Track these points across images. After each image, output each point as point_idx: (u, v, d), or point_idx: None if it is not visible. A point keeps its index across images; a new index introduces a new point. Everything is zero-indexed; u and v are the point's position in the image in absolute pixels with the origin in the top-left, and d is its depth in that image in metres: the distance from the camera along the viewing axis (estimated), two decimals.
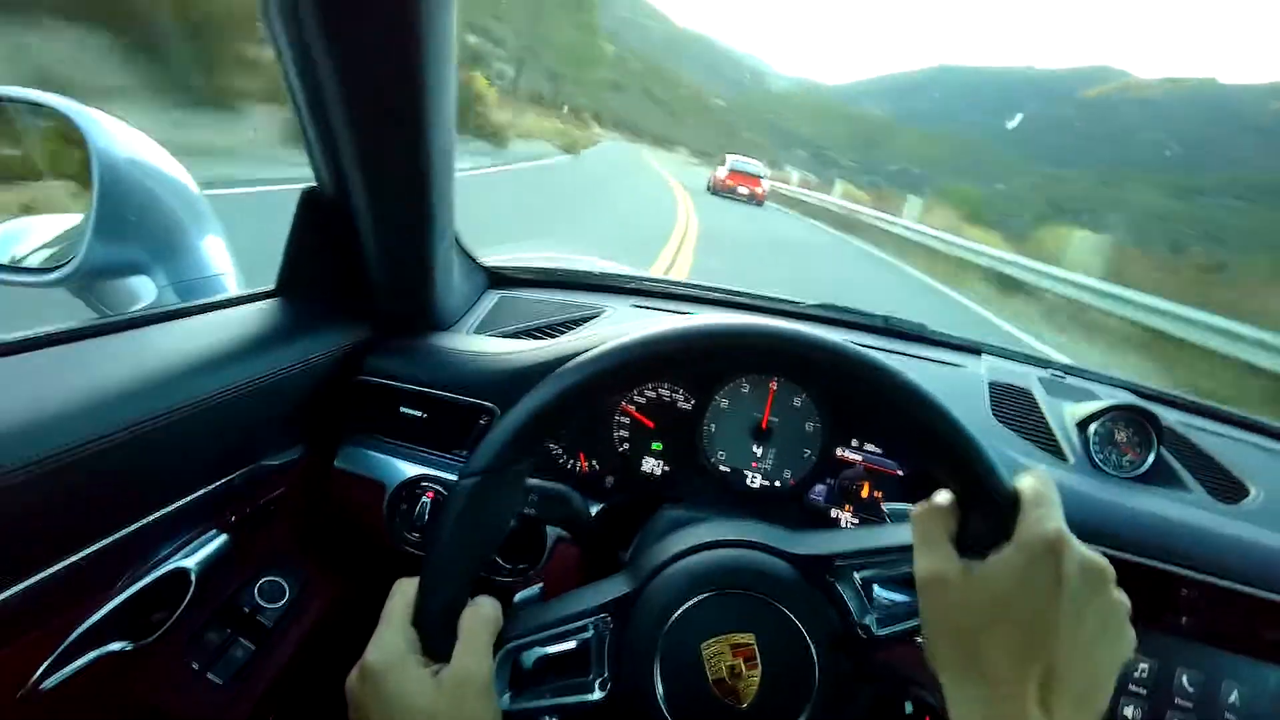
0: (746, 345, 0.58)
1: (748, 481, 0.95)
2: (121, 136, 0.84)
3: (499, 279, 1.21)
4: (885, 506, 0.69)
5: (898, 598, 0.62)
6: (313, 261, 0.89)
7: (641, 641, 0.59)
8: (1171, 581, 0.84)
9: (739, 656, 0.58)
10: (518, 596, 0.65)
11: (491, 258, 1.23)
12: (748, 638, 0.58)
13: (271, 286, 0.89)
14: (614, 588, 0.63)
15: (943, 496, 0.54)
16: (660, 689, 0.58)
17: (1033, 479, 0.52)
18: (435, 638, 0.55)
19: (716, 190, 23.52)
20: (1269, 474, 1.03)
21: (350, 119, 0.69)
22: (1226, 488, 0.98)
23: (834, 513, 0.94)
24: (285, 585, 0.89)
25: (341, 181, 0.78)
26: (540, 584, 0.70)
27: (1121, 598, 0.50)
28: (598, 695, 0.59)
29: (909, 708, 0.75)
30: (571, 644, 0.60)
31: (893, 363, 0.57)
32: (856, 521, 0.93)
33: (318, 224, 0.86)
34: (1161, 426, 0.99)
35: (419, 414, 0.90)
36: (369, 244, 0.84)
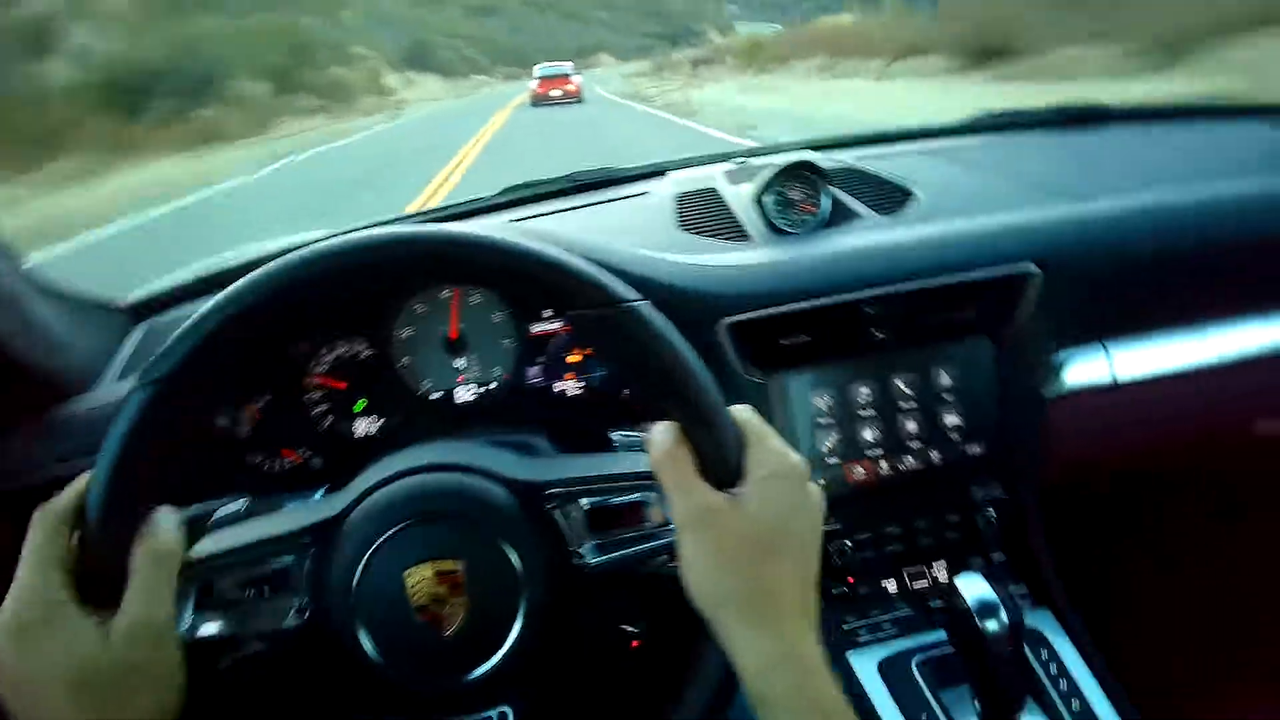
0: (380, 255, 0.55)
1: (461, 398, 0.91)
2: None
3: (146, 310, 1.07)
4: (614, 435, 0.69)
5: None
6: None
7: (342, 567, 0.56)
8: (858, 306, 0.88)
9: (444, 584, 0.56)
10: (217, 513, 0.61)
11: (138, 291, 1.09)
12: (455, 565, 0.56)
13: None
14: (318, 510, 0.60)
15: (667, 432, 0.53)
16: (360, 615, 0.55)
17: (745, 411, 0.55)
18: (100, 581, 0.47)
19: (536, 103, 24.49)
20: (930, 173, 1.10)
21: None
22: (892, 200, 1.03)
23: (557, 387, 0.92)
24: None
25: None
26: (245, 499, 0.65)
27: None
28: (293, 622, 0.57)
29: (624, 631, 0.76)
30: (267, 568, 0.57)
31: (622, 287, 0.54)
32: (581, 386, 0.91)
33: None
34: (824, 171, 1.02)
35: None
36: None
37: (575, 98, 24.61)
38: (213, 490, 0.66)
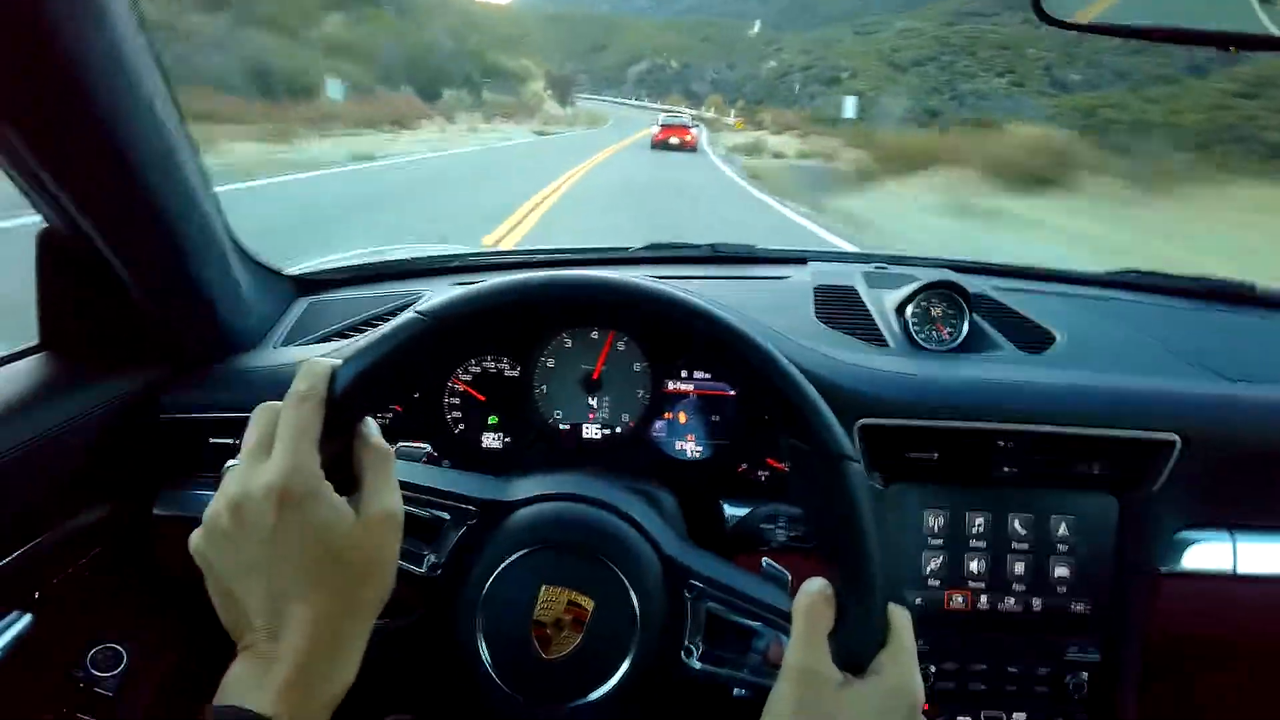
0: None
1: (587, 434, 0.94)
2: None
3: (308, 285, 1.14)
4: (764, 562, 0.68)
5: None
6: (72, 307, 0.82)
7: (491, 552, 0.59)
8: (992, 437, 0.89)
9: (570, 614, 0.58)
10: (402, 446, 0.64)
11: (298, 265, 1.17)
12: (587, 602, 0.58)
13: (34, 343, 0.82)
14: (497, 490, 0.63)
15: (821, 589, 0.53)
16: (482, 605, 0.58)
17: (901, 615, 0.54)
18: (339, 468, 0.48)
19: (655, 146, 25.89)
20: (1073, 320, 1.10)
21: (38, 157, 0.63)
22: (1034, 339, 1.03)
23: (678, 445, 0.94)
24: (122, 650, 0.83)
25: (69, 220, 0.71)
26: (428, 446, 0.69)
27: None
28: (421, 571, 0.59)
29: None
30: (424, 513, 0.60)
31: (843, 439, 0.54)
32: (700, 450, 0.94)
33: (63, 265, 0.79)
34: (970, 295, 1.04)
35: (229, 441, 0.85)
36: (125, 280, 0.78)
37: (690, 148, 25.64)
38: None
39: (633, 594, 0.59)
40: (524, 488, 0.64)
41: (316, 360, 0.49)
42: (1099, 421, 0.88)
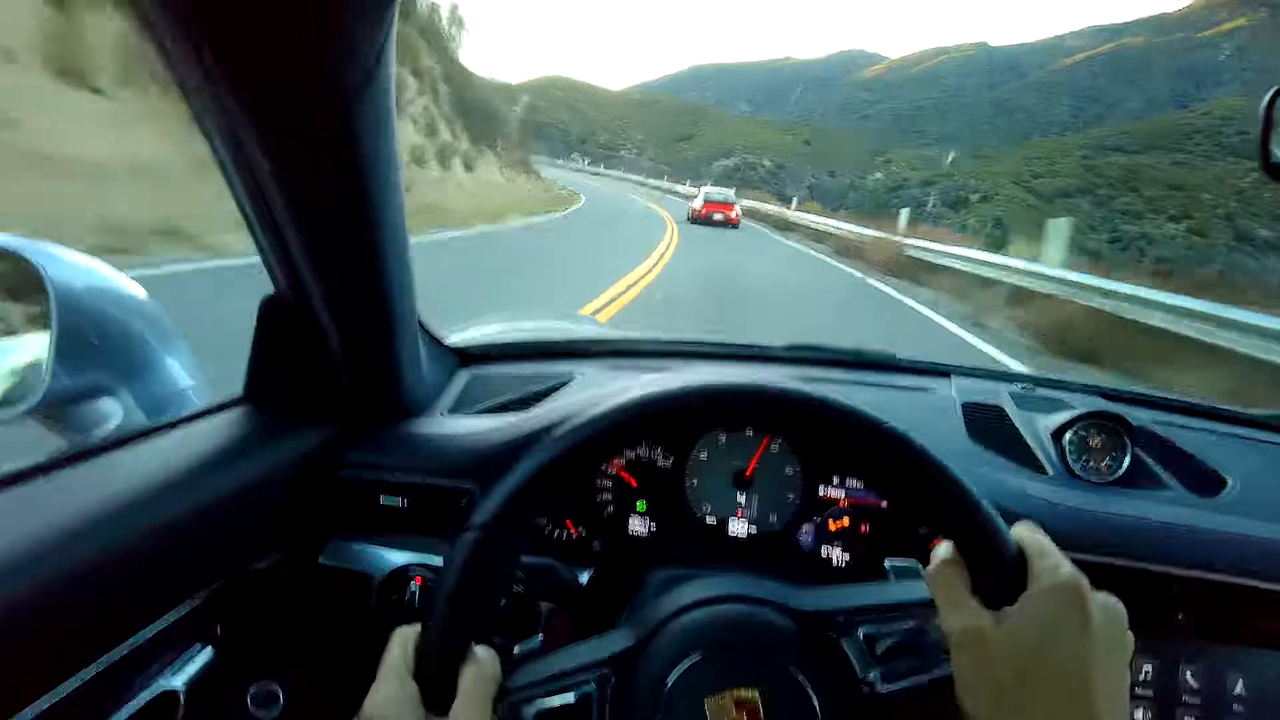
0: (747, 403, 0.60)
1: (734, 531, 0.95)
2: (75, 264, 0.85)
3: (468, 358, 1.21)
4: (887, 563, 0.69)
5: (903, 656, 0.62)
6: (278, 366, 0.89)
7: (643, 696, 0.59)
8: (1163, 581, 0.85)
9: (743, 712, 0.58)
10: (518, 648, 0.65)
11: (455, 336, 1.25)
12: (753, 694, 0.58)
13: (238, 394, 0.89)
14: (615, 642, 0.63)
15: (947, 550, 0.54)
16: None
17: (1026, 529, 0.54)
18: (436, 690, 0.54)
19: (695, 219, 25.46)
20: (1244, 464, 1.05)
21: (298, 226, 0.70)
22: (1204, 482, 0.99)
23: (824, 551, 0.94)
24: (279, 690, 0.87)
25: (299, 286, 0.79)
26: (540, 635, 0.69)
27: (1131, 638, 0.52)
28: None
29: None
30: (570, 697, 0.60)
31: (893, 421, 0.57)
32: (848, 557, 0.93)
33: (279, 329, 0.86)
34: (1133, 428, 1.01)
35: (399, 502, 0.90)
36: (333, 344, 0.85)
37: (734, 225, 25.57)
38: None
39: (783, 661, 0.59)
40: (637, 628, 0.64)
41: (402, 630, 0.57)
42: None
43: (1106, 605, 0.51)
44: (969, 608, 0.51)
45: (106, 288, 0.89)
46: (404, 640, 0.56)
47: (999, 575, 0.52)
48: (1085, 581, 0.50)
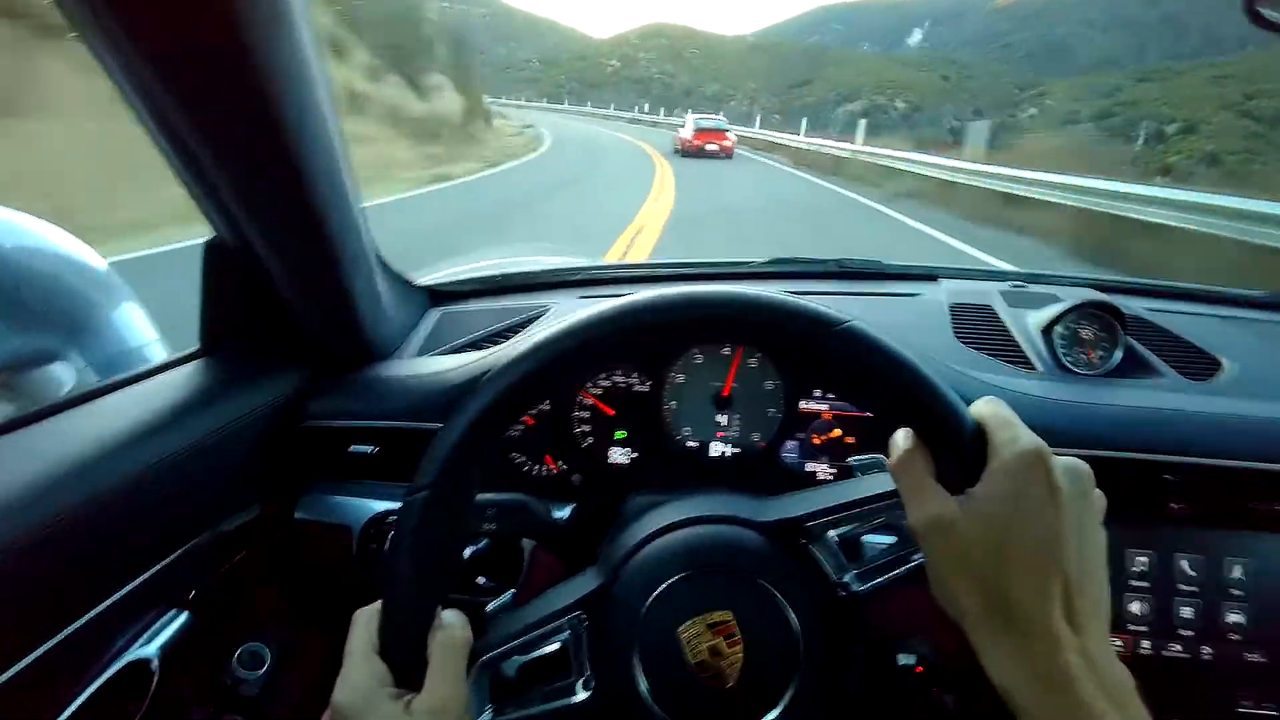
0: (682, 315, 0.55)
1: (714, 453, 0.93)
2: (9, 226, 0.81)
3: (439, 296, 1.18)
4: (851, 460, 0.67)
5: (882, 541, 0.61)
6: (232, 314, 0.86)
7: (618, 634, 0.58)
8: (1157, 470, 0.82)
9: (719, 635, 0.57)
10: (490, 606, 0.63)
11: (427, 276, 1.20)
12: (725, 615, 0.57)
13: (196, 348, 0.86)
14: (585, 584, 0.62)
15: (905, 438, 0.52)
16: (642, 680, 0.56)
17: (986, 404, 0.51)
18: (404, 666, 0.52)
19: (685, 151, 23.23)
20: (1239, 344, 1.01)
21: (219, 164, 0.66)
22: (1198, 366, 0.96)
23: (809, 466, 0.92)
24: (265, 651, 0.86)
25: (235, 228, 0.75)
26: (512, 590, 0.68)
27: (1100, 496, 0.50)
28: (582, 696, 0.58)
29: (901, 661, 0.73)
30: (550, 647, 0.59)
31: (834, 310, 0.53)
32: (834, 473, 0.91)
33: (227, 275, 0.83)
34: (1124, 317, 0.97)
35: (369, 449, 0.88)
36: (283, 288, 0.81)
37: (728, 154, 23.55)
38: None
39: (754, 576, 0.58)
40: (602, 568, 0.63)
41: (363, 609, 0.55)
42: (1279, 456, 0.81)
43: (1069, 467, 0.48)
44: (933, 496, 0.49)
45: (44, 248, 0.85)
46: (366, 620, 0.54)
47: (960, 456, 0.49)
48: (1045, 448, 0.47)
